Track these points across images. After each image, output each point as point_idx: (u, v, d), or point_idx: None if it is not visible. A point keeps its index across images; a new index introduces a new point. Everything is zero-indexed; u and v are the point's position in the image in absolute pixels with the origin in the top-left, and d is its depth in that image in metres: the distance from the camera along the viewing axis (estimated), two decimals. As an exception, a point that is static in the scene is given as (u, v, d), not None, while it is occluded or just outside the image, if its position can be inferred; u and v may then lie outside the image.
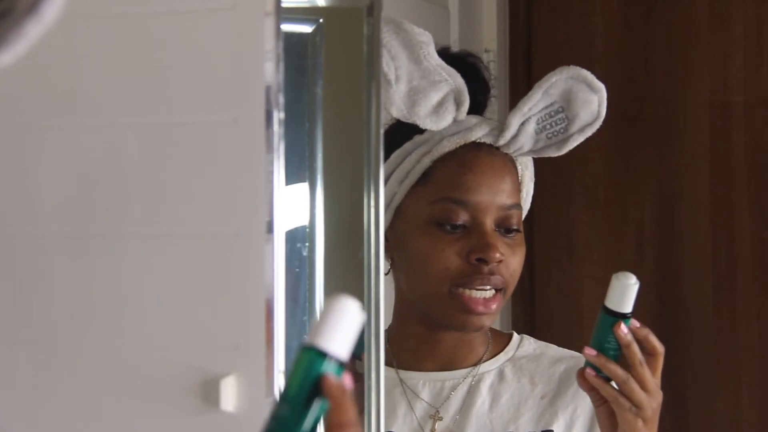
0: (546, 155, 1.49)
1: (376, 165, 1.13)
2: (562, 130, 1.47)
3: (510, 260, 1.45)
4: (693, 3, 2.87)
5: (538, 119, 1.46)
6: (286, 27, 0.98)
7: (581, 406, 1.49)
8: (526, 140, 1.46)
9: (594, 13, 2.94)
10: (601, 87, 1.48)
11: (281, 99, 0.95)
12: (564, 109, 1.47)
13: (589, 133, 1.48)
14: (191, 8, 0.98)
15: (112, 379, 0.99)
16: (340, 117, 1.15)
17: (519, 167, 1.49)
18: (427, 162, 1.44)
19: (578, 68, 1.48)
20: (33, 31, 0.65)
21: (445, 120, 1.43)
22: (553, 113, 1.47)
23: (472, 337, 1.51)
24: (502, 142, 1.46)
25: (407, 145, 1.45)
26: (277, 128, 0.95)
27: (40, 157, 1.02)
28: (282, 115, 0.95)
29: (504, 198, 1.45)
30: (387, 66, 1.40)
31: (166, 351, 0.98)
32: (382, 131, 1.14)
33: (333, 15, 1.15)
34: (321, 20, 1.14)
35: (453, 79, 1.43)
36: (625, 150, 2.80)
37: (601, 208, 2.92)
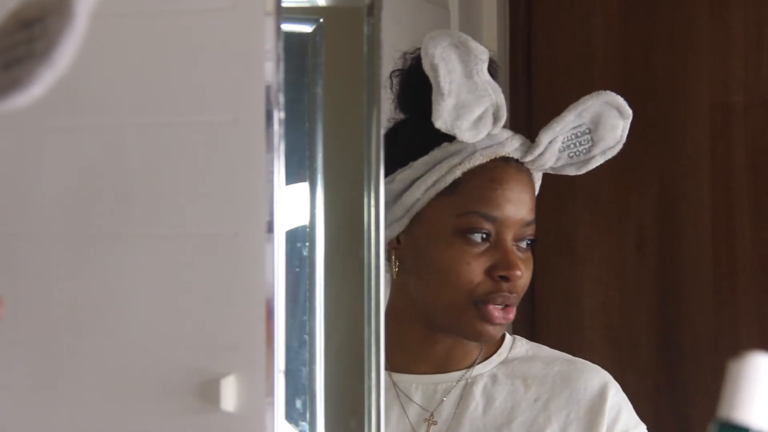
0: (564, 173, 1.51)
1: (376, 165, 1.13)
2: (585, 151, 1.49)
3: (525, 275, 1.46)
4: (693, 3, 2.87)
5: (564, 138, 1.48)
6: (286, 27, 0.98)
7: (575, 410, 1.48)
8: (550, 157, 1.47)
9: (594, 13, 2.94)
10: (630, 114, 1.51)
11: (281, 99, 0.95)
12: (590, 131, 1.49)
13: (609, 155, 1.51)
14: (191, 8, 0.98)
15: (112, 379, 0.99)
16: (340, 117, 1.15)
17: (536, 184, 1.51)
18: (457, 173, 1.44)
19: (613, 94, 1.51)
20: (48, 76, 0.67)
21: (482, 133, 1.43)
22: (579, 134, 1.48)
23: (466, 341, 1.51)
24: (529, 158, 1.47)
25: (436, 153, 1.45)
26: (277, 128, 0.95)
27: (40, 157, 1.02)
28: (282, 115, 0.95)
29: (526, 213, 1.46)
30: (443, 80, 1.40)
31: (166, 351, 0.98)
32: (382, 131, 1.14)
33: (333, 15, 1.15)
34: (321, 20, 1.14)
35: (495, 95, 1.44)
36: (625, 150, 2.79)
37: (601, 208, 2.92)
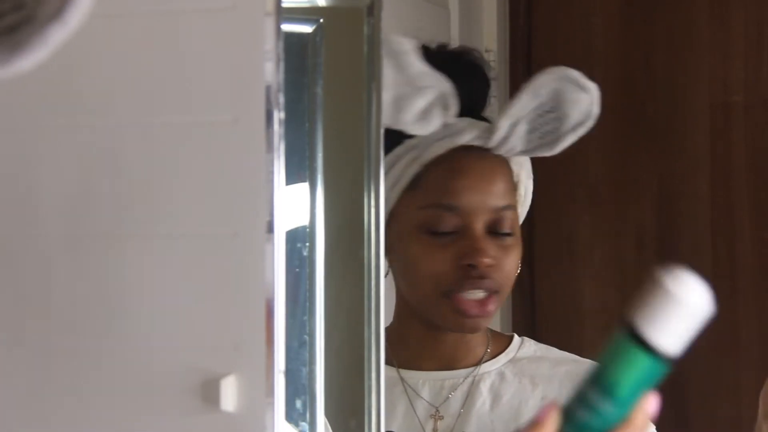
0: (539, 155, 1.48)
1: (376, 165, 1.13)
2: (554, 130, 1.46)
3: (503, 262, 1.44)
4: (693, 3, 2.87)
5: (529, 120, 1.45)
6: (286, 27, 0.97)
7: None
8: (518, 141, 1.45)
9: (594, 13, 2.94)
10: (591, 86, 1.46)
11: (281, 99, 0.95)
12: (555, 110, 1.46)
13: (581, 132, 1.47)
14: (191, 8, 0.98)
15: (112, 379, 0.99)
16: (340, 117, 1.15)
17: (514, 167, 1.49)
18: (416, 167, 1.44)
19: (566, 68, 1.47)
20: (56, 37, 0.66)
21: (433, 125, 1.43)
22: (543, 113, 1.46)
23: (470, 338, 1.51)
24: (492, 144, 1.45)
25: (398, 150, 1.45)
26: (277, 128, 0.94)
27: (40, 157, 1.02)
28: (282, 115, 0.95)
29: (495, 200, 1.45)
30: None
31: (166, 351, 0.98)
32: (382, 131, 1.14)
33: (333, 15, 1.15)
34: (321, 20, 1.14)
35: (439, 85, 1.43)
36: (625, 150, 2.80)
37: (601, 208, 2.92)
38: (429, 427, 1.49)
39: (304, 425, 1.11)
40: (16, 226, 1.02)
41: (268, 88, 0.94)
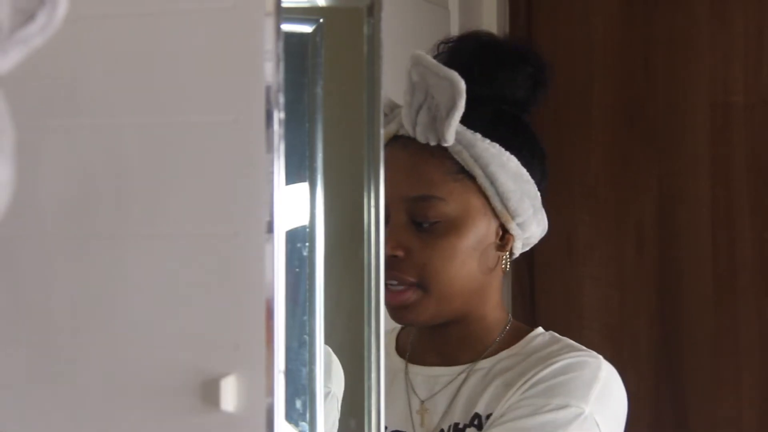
0: (445, 144, 1.43)
1: (376, 165, 1.13)
2: (439, 118, 1.42)
3: (419, 254, 1.42)
4: (693, 3, 2.87)
5: (427, 107, 1.42)
6: (286, 27, 0.97)
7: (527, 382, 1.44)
8: (428, 130, 1.42)
9: (594, 13, 2.95)
10: (440, 69, 1.41)
11: (281, 99, 0.95)
12: (434, 97, 1.42)
13: (452, 118, 1.41)
14: (191, 8, 0.98)
15: (112, 379, 0.99)
16: (340, 117, 1.15)
17: (461, 157, 1.44)
18: None
19: (421, 56, 1.43)
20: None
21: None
22: (430, 100, 1.42)
23: (471, 333, 1.50)
24: (412, 134, 1.43)
25: None
26: (277, 128, 0.94)
27: (40, 157, 1.02)
28: (282, 115, 0.95)
29: (408, 190, 1.43)
30: None
31: (166, 351, 0.98)
32: (382, 131, 1.14)
33: (333, 15, 1.15)
34: (321, 20, 1.14)
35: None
36: (625, 150, 2.80)
37: (601, 208, 2.92)
38: (417, 421, 1.49)
39: (304, 425, 1.11)
40: (16, 226, 1.02)
41: (268, 88, 0.94)
